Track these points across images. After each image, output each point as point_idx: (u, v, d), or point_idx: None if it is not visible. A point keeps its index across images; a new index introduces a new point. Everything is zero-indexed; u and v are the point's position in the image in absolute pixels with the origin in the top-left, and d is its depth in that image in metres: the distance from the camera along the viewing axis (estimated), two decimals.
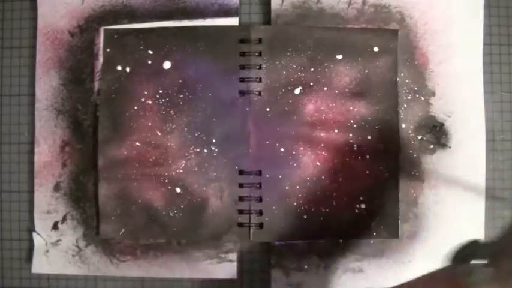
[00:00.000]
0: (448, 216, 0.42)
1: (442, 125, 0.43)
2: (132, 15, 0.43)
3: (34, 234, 0.42)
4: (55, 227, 0.42)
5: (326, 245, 0.42)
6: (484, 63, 0.43)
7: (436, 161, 0.42)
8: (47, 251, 0.42)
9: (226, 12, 0.43)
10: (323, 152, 0.42)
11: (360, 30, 0.42)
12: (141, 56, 0.42)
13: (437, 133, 0.43)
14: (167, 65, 0.42)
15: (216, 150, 0.42)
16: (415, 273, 0.43)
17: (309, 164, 0.41)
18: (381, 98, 0.42)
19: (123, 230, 0.41)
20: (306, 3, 0.43)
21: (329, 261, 0.42)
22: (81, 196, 0.42)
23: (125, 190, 0.41)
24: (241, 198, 0.41)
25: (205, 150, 0.42)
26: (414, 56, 0.43)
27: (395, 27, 0.43)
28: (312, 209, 0.41)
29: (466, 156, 0.42)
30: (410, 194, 0.42)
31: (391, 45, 0.42)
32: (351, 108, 0.42)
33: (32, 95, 0.43)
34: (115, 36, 0.42)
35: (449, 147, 0.43)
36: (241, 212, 0.41)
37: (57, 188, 0.42)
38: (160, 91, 0.42)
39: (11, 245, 0.43)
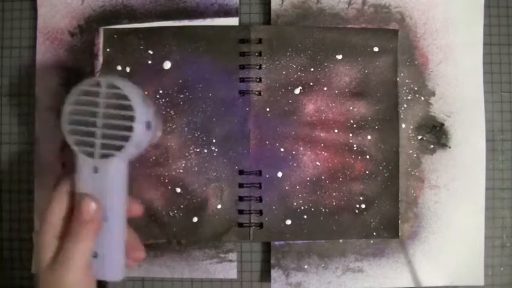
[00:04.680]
0: (448, 216, 0.42)
1: (442, 125, 0.43)
2: (132, 15, 0.43)
3: (34, 234, 0.42)
4: None
5: (326, 245, 0.42)
6: (484, 63, 0.43)
7: (436, 161, 0.42)
8: None
9: (226, 12, 0.43)
10: (323, 152, 0.42)
11: (360, 30, 0.42)
12: (141, 56, 0.42)
13: (437, 133, 0.43)
14: (167, 65, 0.42)
15: (216, 150, 0.42)
16: (415, 273, 0.43)
17: (309, 164, 0.41)
18: (381, 98, 0.42)
19: None
20: (306, 3, 0.43)
21: (329, 261, 0.42)
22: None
23: None
24: (241, 198, 0.41)
25: (205, 150, 0.42)
26: (414, 56, 0.43)
27: (395, 27, 0.43)
28: (312, 209, 0.41)
29: (466, 156, 0.42)
30: (410, 194, 0.42)
31: (391, 45, 0.42)
32: (351, 108, 0.42)
33: (32, 95, 0.43)
34: (115, 36, 0.42)
35: (449, 147, 0.43)
36: (241, 212, 0.41)
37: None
38: (160, 91, 0.42)
39: (11, 245, 0.43)
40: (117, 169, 0.32)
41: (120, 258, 0.33)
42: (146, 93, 0.42)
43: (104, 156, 0.31)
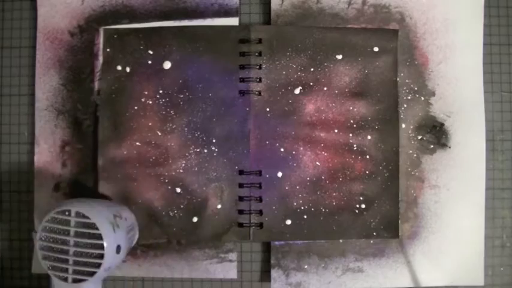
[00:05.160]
0: (448, 216, 0.42)
1: (442, 125, 0.43)
2: (132, 15, 0.43)
3: (34, 234, 0.42)
4: None
5: (326, 245, 0.42)
6: (484, 63, 0.43)
7: (436, 161, 0.42)
8: None
9: (226, 12, 0.43)
10: (323, 152, 0.42)
11: (360, 30, 0.42)
12: (141, 56, 0.42)
13: (437, 133, 0.43)
14: (167, 65, 0.42)
15: (216, 150, 0.42)
16: (415, 273, 0.43)
17: (309, 164, 0.41)
18: (381, 98, 0.42)
19: None
20: (306, 3, 0.43)
21: (329, 261, 0.42)
22: (81, 196, 0.42)
23: (124, 190, 0.41)
24: (241, 198, 0.41)
25: (205, 150, 0.42)
26: (414, 56, 0.43)
27: (395, 27, 0.43)
28: (312, 209, 0.41)
29: (466, 156, 0.42)
30: (410, 194, 0.42)
31: (391, 45, 0.42)
32: (351, 108, 0.42)
33: (32, 95, 0.43)
34: (115, 36, 0.42)
35: (449, 147, 0.43)
36: (241, 212, 0.41)
37: (57, 188, 0.42)
38: (160, 91, 0.42)
39: (11, 245, 0.43)
40: None
41: None
42: (146, 93, 0.42)
43: (77, 281, 0.33)
